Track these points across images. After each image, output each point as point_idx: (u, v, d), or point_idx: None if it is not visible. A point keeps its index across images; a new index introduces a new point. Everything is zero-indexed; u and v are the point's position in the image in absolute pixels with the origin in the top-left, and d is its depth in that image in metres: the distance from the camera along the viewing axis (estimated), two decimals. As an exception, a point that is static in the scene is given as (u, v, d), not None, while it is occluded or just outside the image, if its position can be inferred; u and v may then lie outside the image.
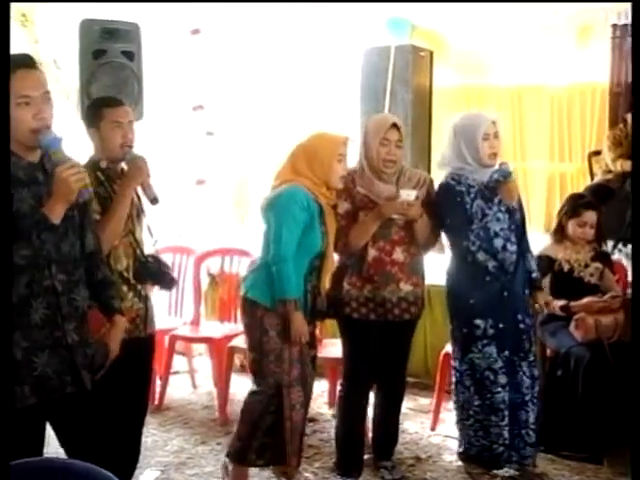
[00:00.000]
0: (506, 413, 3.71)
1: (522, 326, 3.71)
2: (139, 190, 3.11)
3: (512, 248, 3.67)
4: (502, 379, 3.70)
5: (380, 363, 3.74)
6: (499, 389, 3.70)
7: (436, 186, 3.77)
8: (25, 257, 2.42)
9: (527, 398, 3.76)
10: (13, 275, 2.39)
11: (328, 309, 3.69)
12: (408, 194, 3.46)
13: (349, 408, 3.78)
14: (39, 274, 2.46)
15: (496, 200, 3.66)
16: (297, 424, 3.53)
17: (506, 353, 3.69)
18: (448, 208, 3.69)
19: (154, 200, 2.99)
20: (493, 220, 3.65)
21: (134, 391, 3.11)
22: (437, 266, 4.22)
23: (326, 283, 3.61)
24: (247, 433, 3.57)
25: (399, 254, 3.61)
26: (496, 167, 3.69)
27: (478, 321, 3.68)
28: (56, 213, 2.45)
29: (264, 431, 3.56)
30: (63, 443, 2.63)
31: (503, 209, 3.68)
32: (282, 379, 3.48)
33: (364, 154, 3.62)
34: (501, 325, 3.67)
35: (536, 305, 3.88)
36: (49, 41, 5.88)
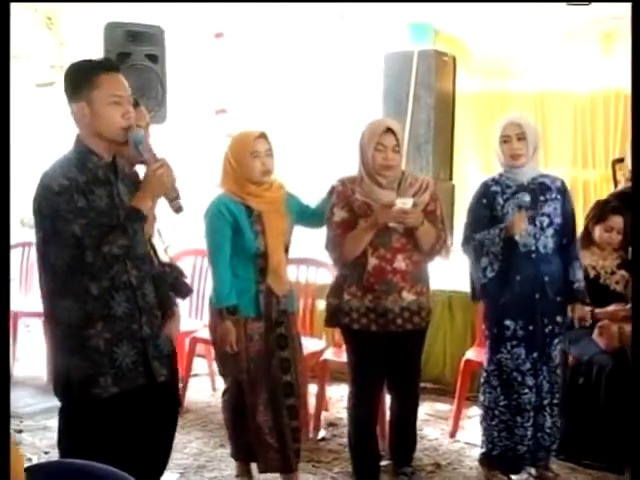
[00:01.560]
0: (531, 414, 3.70)
1: (547, 330, 3.68)
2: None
3: (544, 251, 3.64)
4: (529, 381, 3.68)
5: (389, 373, 3.68)
6: (526, 390, 3.69)
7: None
8: (123, 247, 2.60)
9: (545, 402, 3.74)
10: (103, 265, 2.57)
11: (330, 319, 3.66)
12: (404, 202, 3.34)
13: (358, 416, 3.73)
14: (115, 269, 2.63)
15: (539, 204, 3.63)
16: (261, 424, 3.55)
17: (534, 355, 3.68)
18: (472, 206, 3.73)
19: (179, 209, 2.96)
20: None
21: (161, 395, 2.97)
22: (459, 272, 4.20)
23: (279, 284, 3.55)
24: (230, 432, 3.80)
25: (401, 262, 3.49)
26: (541, 171, 3.73)
27: (508, 322, 3.67)
28: (146, 206, 2.67)
29: (245, 430, 3.63)
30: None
31: (542, 212, 3.64)
32: (242, 378, 3.55)
33: (361, 160, 3.53)
34: (531, 327, 3.65)
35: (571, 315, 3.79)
36: (74, 44, 5.93)
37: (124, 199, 2.68)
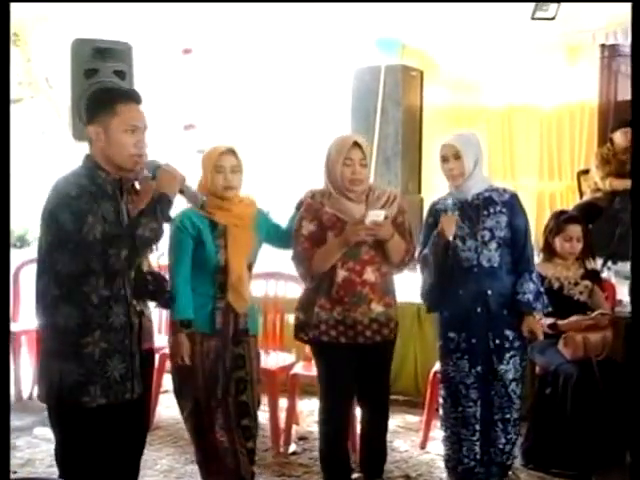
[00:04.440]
0: (477, 428, 3.72)
1: (493, 345, 3.66)
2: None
3: (487, 265, 3.64)
4: (473, 394, 3.70)
5: (359, 386, 3.68)
6: (470, 403, 3.71)
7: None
8: (126, 260, 2.70)
9: (497, 418, 3.72)
10: (109, 275, 2.69)
11: (298, 333, 3.66)
12: (377, 215, 3.38)
13: (328, 431, 3.72)
14: (117, 282, 2.73)
15: (481, 218, 3.66)
16: (217, 444, 3.48)
17: (478, 369, 3.69)
18: (423, 225, 3.81)
19: (200, 201, 3.13)
20: (467, 237, 3.64)
21: (131, 408, 2.94)
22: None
23: (238, 300, 3.49)
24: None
25: (370, 274, 3.51)
26: (492, 184, 3.73)
27: (452, 334, 3.71)
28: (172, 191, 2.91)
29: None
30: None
31: (484, 226, 3.66)
32: (198, 395, 3.48)
33: (327, 176, 3.56)
34: (473, 340, 3.66)
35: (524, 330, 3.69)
36: (41, 60, 5.92)
37: (125, 218, 2.81)
